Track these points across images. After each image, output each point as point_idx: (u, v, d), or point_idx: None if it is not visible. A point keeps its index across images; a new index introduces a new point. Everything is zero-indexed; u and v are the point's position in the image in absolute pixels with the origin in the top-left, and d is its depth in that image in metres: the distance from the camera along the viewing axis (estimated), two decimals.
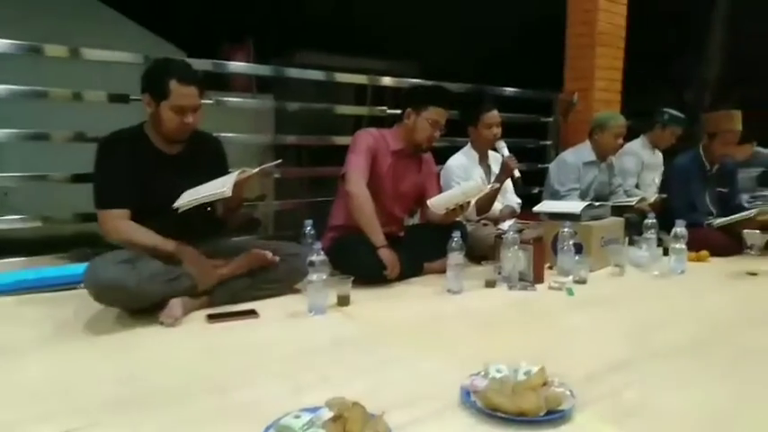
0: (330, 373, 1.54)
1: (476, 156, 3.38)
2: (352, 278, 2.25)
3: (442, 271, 2.50)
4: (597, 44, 4.23)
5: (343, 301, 2.20)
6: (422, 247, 2.73)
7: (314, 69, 3.77)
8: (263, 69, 3.77)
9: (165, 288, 1.96)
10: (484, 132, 3.30)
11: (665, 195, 3.50)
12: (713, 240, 3.15)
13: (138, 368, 1.59)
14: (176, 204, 2.01)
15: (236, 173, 2.07)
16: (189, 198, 2.00)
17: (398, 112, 2.77)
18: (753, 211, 3.16)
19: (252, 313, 2.05)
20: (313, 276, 2.08)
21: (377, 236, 2.48)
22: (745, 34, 7.50)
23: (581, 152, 3.60)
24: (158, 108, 2.06)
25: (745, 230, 3.15)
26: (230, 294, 2.15)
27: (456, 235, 2.41)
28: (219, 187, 1.98)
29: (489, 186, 2.83)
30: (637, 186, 4.10)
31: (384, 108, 3.82)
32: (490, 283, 2.53)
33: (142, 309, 1.95)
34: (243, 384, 1.46)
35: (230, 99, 3.52)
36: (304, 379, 1.50)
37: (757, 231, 3.14)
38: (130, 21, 7.25)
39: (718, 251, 3.12)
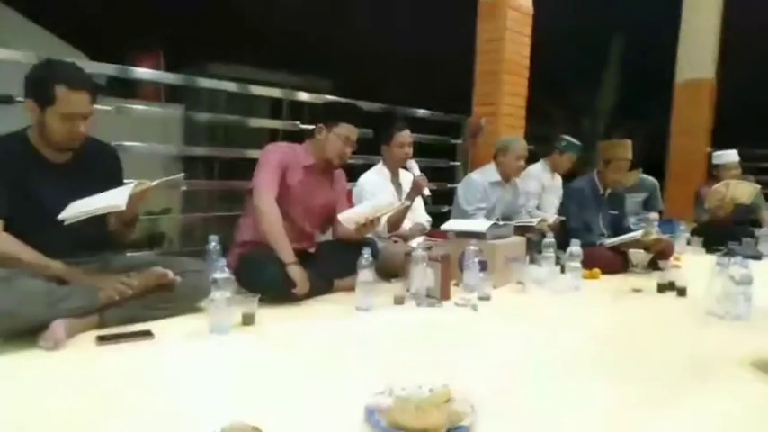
0: (228, 397, 1.48)
1: (387, 174, 3.43)
2: (259, 296, 2.19)
3: (352, 288, 2.49)
4: (503, 72, 4.46)
5: (248, 319, 2.13)
6: (332, 263, 2.71)
7: (228, 81, 3.68)
8: (173, 78, 3.61)
9: (47, 311, 1.78)
10: (396, 151, 3.36)
11: (563, 217, 3.72)
12: (604, 259, 3.38)
13: (10, 400, 1.43)
14: (62, 216, 1.85)
15: (132, 185, 1.94)
16: (77, 210, 1.85)
17: (313, 127, 2.76)
18: (639, 232, 3.42)
19: (147, 334, 1.93)
20: (216, 294, 2.00)
21: (286, 252, 2.43)
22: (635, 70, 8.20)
23: (487, 173, 3.75)
24: (43, 114, 1.90)
25: (631, 250, 3.40)
26: (124, 314, 2.01)
27: (366, 252, 2.42)
28: (113, 200, 1.86)
29: (400, 203, 2.88)
30: (538, 208, 4.33)
31: (297, 123, 3.79)
32: (399, 300, 2.56)
33: (18, 333, 1.76)
34: (128, 412, 1.36)
35: (134, 107, 3.34)
36: (198, 403, 1.42)
37: (641, 251, 3.40)
38: (29, 21, 6.75)
39: (609, 269, 3.35)
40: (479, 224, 3.09)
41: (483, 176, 3.73)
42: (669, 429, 1.40)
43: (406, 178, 3.42)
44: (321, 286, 2.61)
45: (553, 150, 4.39)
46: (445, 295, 2.64)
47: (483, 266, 2.81)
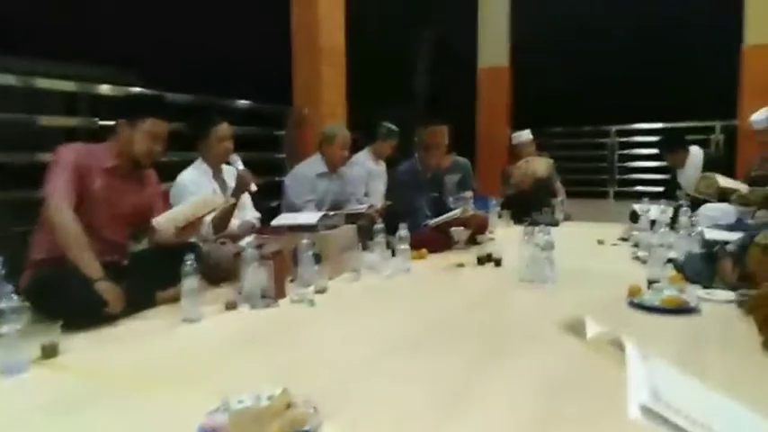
0: None
1: (209, 170, 3.21)
2: (61, 322, 1.89)
3: (178, 299, 2.28)
4: (321, 61, 4.44)
5: (50, 352, 1.82)
6: (151, 274, 2.44)
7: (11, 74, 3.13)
8: None
9: None
10: (215, 146, 3.15)
11: (389, 202, 3.83)
12: (430, 239, 3.56)
13: None
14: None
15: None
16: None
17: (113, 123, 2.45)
18: (457, 210, 3.66)
19: None
20: (4, 328, 1.67)
21: (91, 267, 2.13)
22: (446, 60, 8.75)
23: (313, 164, 3.72)
24: None
25: (452, 228, 3.63)
26: None
27: (189, 258, 2.22)
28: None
29: (224, 200, 2.70)
30: (366, 194, 4.42)
31: (96, 119, 3.37)
32: (231, 306, 2.40)
33: None
34: None
35: None
36: None
37: (462, 228, 3.65)
38: None
39: (435, 248, 3.53)
40: (310, 216, 3.04)
41: (309, 168, 3.69)
42: (496, 387, 1.50)
43: (230, 174, 3.23)
44: (140, 301, 2.35)
45: (376, 138, 4.50)
46: (280, 293, 2.55)
47: (317, 259, 2.77)
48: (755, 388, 1.50)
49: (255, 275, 2.46)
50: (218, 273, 2.78)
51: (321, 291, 2.65)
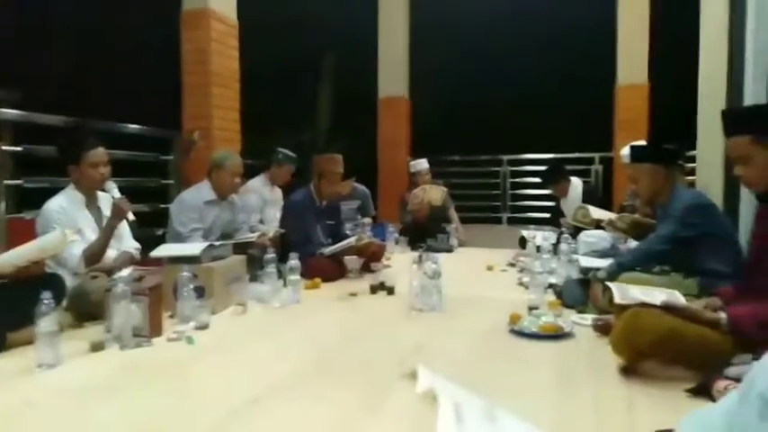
0: None
1: (82, 198, 2.95)
2: None
3: (33, 341, 2.04)
4: (212, 84, 4.30)
5: None
6: (1, 312, 2.18)
7: None
8: None
9: None
10: (89, 172, 2.91)
11: (283, 230, 3.74)
12: (324, 268, 3.50)
13: None
14: None
15: None
16: None
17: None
18: (352, 239, 3.65)
19: None
20: None
21: None
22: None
23: (201, 191, 3.55)
24: None
25: (346, 257, 3.59)
26: None
27: (46, 295, 2.01)
28: None
29: (70, 240, 2.48)
30: (261, 222, 4.29)
31: None
32: (97, 347, 2.19)
33: None
34: None
35: None
36: None
37: (355, 257, 3.62)
38: None
39: (329, 277, 3.48)
40: (193, 247, 2.88)
41: (197, 195, 3.51)
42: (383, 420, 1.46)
43: (106, 202, 3.00)
44: None
45: (271, 163, 4.41)
46: (156, 331, 2.36)
47: (200, 292, 2.63)
48: (609, 417, 1.58)
49: (126, 312, 2.27)
50: (88, 309, 2.55)
51: (202, 327, 2.50)
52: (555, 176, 4.89)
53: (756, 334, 1.55)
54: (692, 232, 2.44)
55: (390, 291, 3.18)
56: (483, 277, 3.86)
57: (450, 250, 4.89)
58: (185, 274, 2.60)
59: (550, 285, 3.12)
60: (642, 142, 3.29)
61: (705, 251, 2.46)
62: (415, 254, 3.78)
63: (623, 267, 2.58)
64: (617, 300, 1.95)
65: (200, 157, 4.14)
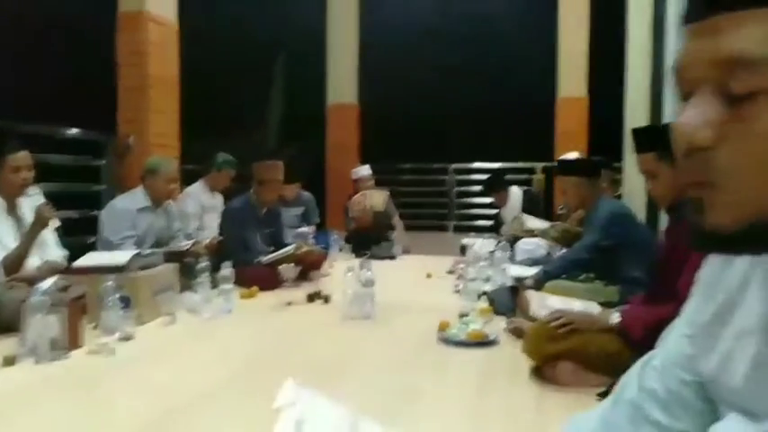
0: None
1: (2, 204, 2.83)
2: None
3: None
4: (150, 87, 4.19)
5: None
6: None
7: None
8: None
9: None
10: (10, 177, 2.80)
11: (221, 237, 3.68)
12: (261, 277, 3.46)
13: None
14: None
15: None
16: None
17: None
18: (291, 247, 3.62)
19: None
20: None
21: None
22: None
23: (135, 198, 3.45)
24: None
25: (280, 266, 3.54)
26: None
27: None
28: None
29: None
30: (199, 229, 4.20)
31: None
32: (9, 361, 2.10)
33: None
34: None
35: None
36: None
37: (291, 265, 3.58)
38: None
39: (266, 286, 3.43)
40: (120, 256, 2.79)
41: (130, 202, 3.42)
42: None
43: (29, 208, 2.88)
44: None
45: (210, 168, 4.33)
46: (75, 344, 2.28)
47: (126, 303, 2.55)
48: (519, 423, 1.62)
49: (43, 324, 2.18)
50: (4, 321, 2.43)
51: (126, 338, 2.42)
52: (495, 185, 5.01)
53: (642, 338, 1.61)
54: (613, 241, 2.55)
55: (326, 299, 3.17)
56: (421, 284, 3.91)
57: (393, 257, 4.92)
58: (110, 283, 2.51)
59: (484, 293, 3.18)
60: (573, 155, 3.43)
61: (626, 259, 2.57)
62: (359, 260, 3.80)
63: (549, 276, 2.67)
64: (533, 311, 2.02)
65: (135, 163, 4.02)
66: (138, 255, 2.83)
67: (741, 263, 0.62)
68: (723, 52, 0.47)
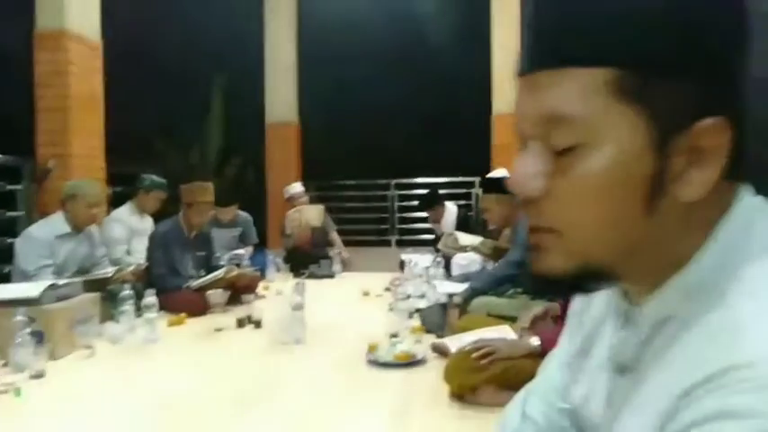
0: None
1: None
2: None
3: None
4: (71, 108, 4.02)
5: None
6: None
7: None
8: None
9: None
10: None
11: (146, 263, 3.55)
12: (190, 303, 3.35)
13: None
14: None
15: None
16: None
17: None
18: (220, 271, 3.52)
19: None
20: None
21: None
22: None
23: (53, 224, 3.29)
24: None
25: (209, 292, 3.44)
26: None
27: None
28: None
29: None
30: (129, 253, 4.04)
31: None
32: None
33: None
34: None
35: None
36: None
37: (220, 290, 3.48)
38: None
39: (195, 312, 3.33)
40: (32, 288, 2.64)
41: (48, 229, 3.25)
42: None
43: None
44: None
45: (138, 191, 4.18)
46: None
47: (39, 337, 2.41)
48: None
49: None
50: None
51: (38, 376, 2.29)
52: (430, 202, 5.07)
53: None
54: None
55: (257, 324, 3.10)
56: (358, 304, 3.89)
57: (331, 276, 4.89)
58: (20, 318, 2.38)
59: (417, 310, 3.19)
60: (501, 172, 3.50)
61: None
62: (297, 280, 3.74)
63: (477, 292, 2.71)
64: (451, 354, 2.05)
65: (55, 187, 3.84)
66: (53, 285, 2.68)
67: (601, 296, 0.64)
68: (543, 108, 0.49)
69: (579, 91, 0.46)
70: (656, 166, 0.46)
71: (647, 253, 0.49)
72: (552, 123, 0.48)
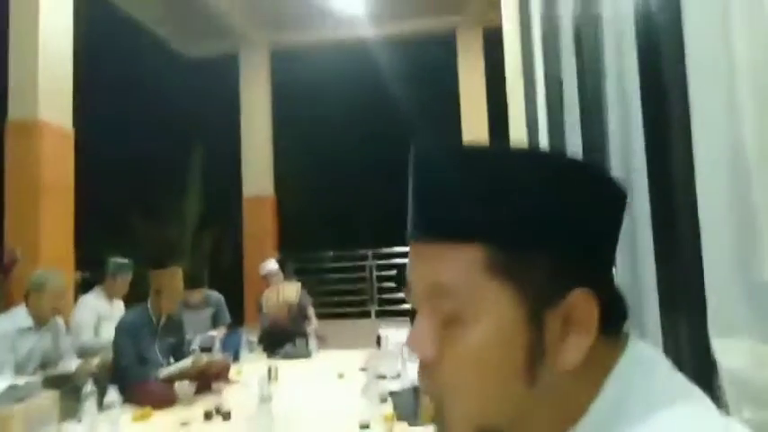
0: None
1: None
2: None
3: None
4: (41, 197, 4.02)
5: None
6: None
7: None
8: None
9: None
10: None
11: (112, 355, 3.45)
12: (156, 394, 3.23)
13: None
14: None
15: None
16: None
17: None
18: (188, 360, 3.42)
19: None
20: None
21: None
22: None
23: (15, 317, 3.20)
24: None
25: (176, 383, 3.33)
26: None
27: None
28: None
29: None
30: (97, 336, 3.93)
31: None
32: None
33: None
34: None
35: None
36: None
37: (186, 382, 3.36)
38: None
39: (162, 404, 3.20)
40: None
41: (9, 323, 3.16)
42: None
43: None
44: None
45: (105, 276, 4.11)
46: None
47: None
48: None
49: None
50: None
51: None
52: (405, 279, 5.06)
53: None
54: None
55: (226, 416, 2.99)
56: (332, 387, 3.78)
57: (307, 356, 4.79)
58: None
59: (391, 393, 3.09)
60: None
61: None
62: (270, 362, 3.64)
63: None
64: None
65: (22, 277, 3.77)
66: (11, 387, 2.59)
67: None
68: (428, 278, 0.51)
69: (457, 265, 0.48)
70: (532, 338, 0.48)
71: (540, 415, 0.50)
72: (436, 293, 0.50)
